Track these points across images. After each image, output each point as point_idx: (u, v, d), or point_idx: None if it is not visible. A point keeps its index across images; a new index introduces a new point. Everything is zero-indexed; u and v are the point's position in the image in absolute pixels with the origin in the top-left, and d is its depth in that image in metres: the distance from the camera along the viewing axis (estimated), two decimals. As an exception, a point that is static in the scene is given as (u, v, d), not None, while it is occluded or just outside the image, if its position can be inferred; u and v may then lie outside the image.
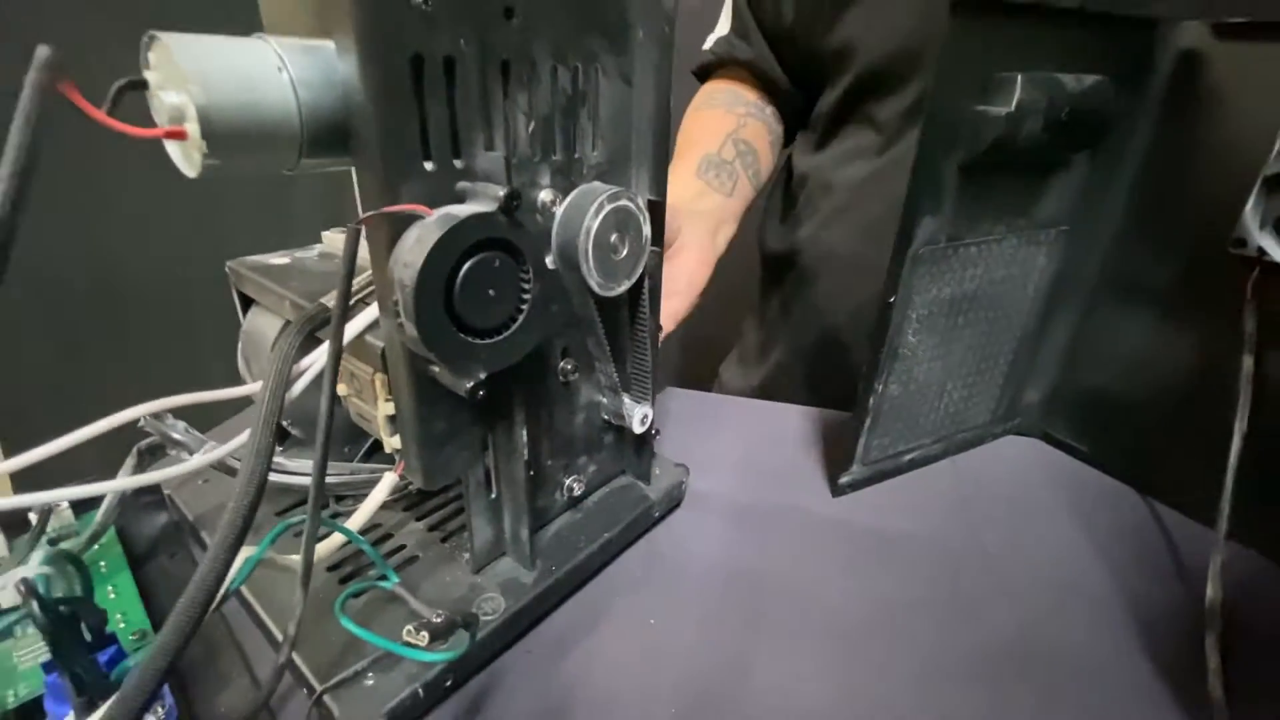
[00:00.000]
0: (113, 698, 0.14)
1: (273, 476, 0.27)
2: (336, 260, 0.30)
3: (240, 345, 0.30)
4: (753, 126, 0.54)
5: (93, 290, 0.73)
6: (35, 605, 0.16)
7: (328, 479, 0.28)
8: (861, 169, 0.49)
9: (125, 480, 0.23)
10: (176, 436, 0.27)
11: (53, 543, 0.27)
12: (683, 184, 0.50)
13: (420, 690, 0.22)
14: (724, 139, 0.52)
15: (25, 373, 0.77)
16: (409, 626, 0.19)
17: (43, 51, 0.14)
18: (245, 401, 0.28)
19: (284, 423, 0.31)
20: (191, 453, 0.27)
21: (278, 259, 0.30)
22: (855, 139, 0.50)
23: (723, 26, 0.57)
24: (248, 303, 0.30)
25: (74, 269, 0.74)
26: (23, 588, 0.16)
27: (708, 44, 0.58)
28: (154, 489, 0.31)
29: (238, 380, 0.31)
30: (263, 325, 0.29)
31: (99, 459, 0.26)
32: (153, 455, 0.28)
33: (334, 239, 0.32)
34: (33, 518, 0.26)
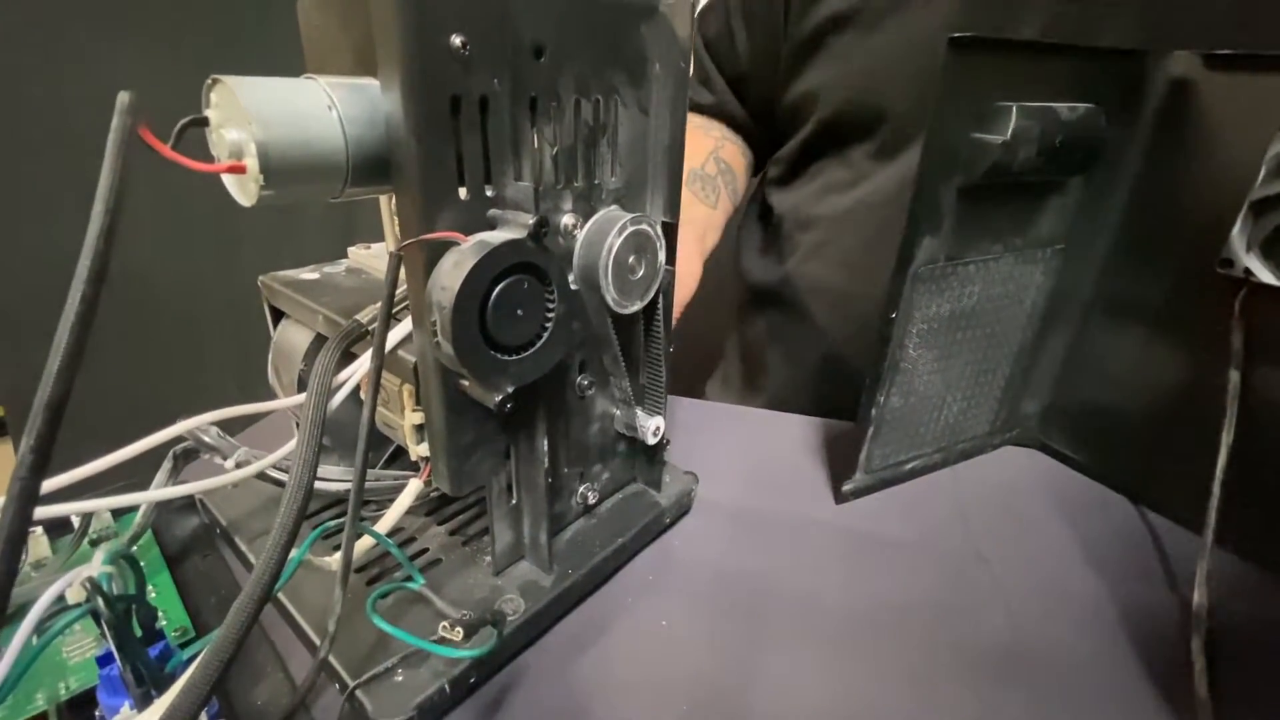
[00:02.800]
0: (178, 687, 0.16)
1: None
2: (364, 275, 0.32)
3: (271, 356, 0.31)
4: (729, 148, 0.57)
5: (107, 298, 0.75)
6: (100, 602, 0.17)
7: (350, 484, 0.30)
8: (836, 205, 0.51)
9: (168, 490, 0.24)
10: (210, 441, 0.29)
11: (93, 544, 0.28)
12: None
13: (447, 686, 0.23)
14: (706, 156, 0.55)
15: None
16: (444, 623, 0.20)
17: (124, 97, 0.15)
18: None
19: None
20: (225, 457, 0.28)
21: (308, 274, 0.31)
22: (825, 176, 0.52)
23: None
24: (278, 315, 0.32)
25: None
26: (88, 585, 0.18)
27: None
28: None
29: (253, 387, 0.33)
30: (293, 337, 0.30)
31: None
32: (187, 459, 0.29)
33: (359, 254, 0.34)
34: (74, 520, 0.28)
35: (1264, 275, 0.30)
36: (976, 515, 0.36)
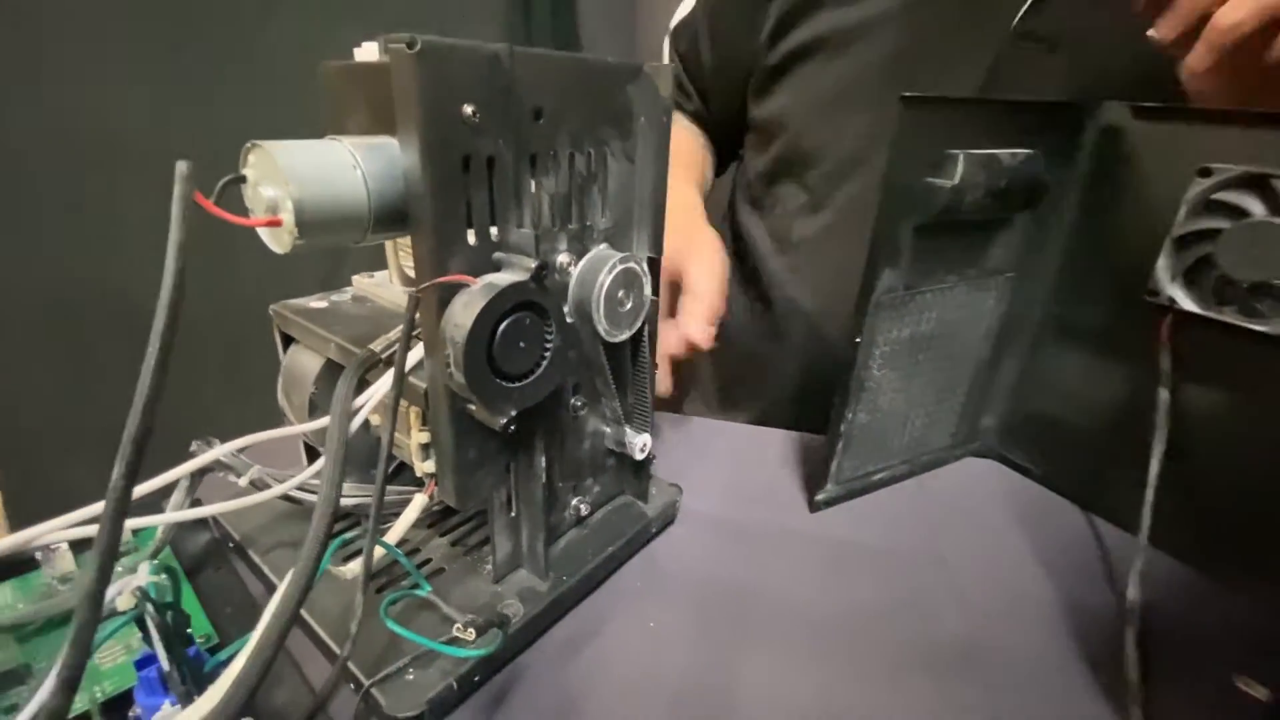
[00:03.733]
0: (227, 680, 0.18)
1: (310, 496, 0.31)
2: (369, 304, 0.34)
3: (280, 381, 0.34)
4: (710, 161, 0.62)
5: (109, 321, 0.76)
6: (151, 609, 0.19)
7: (358, 499, 0.32)
8: (804, 230, 0.54)
9: (192, 511, 0.26)
10: (225, 460, 0.31)
11: (115, 559, 0.30)
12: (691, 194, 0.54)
13: (455, 683, 0.25)
14: (700, 174, 0.59)
15: (35, 398, 0.79)
16: (458, 624, 0.23)
17: (183, 167, 0.18)
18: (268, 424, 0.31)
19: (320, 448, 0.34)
20: (239, 475, 0.30)
21: (316, 302, 0.34)
22: (789, 200, 0.55)
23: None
24: (287, 341, 0.34)
25: (93, 300, 0.77)
26: (139, 593, 0.20)
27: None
28: (198, 504, 0.34)
29: (249, 403, 0.34)
30: (303, 362, 0.33)
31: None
32: (201, 475, 0.31)
33: (363, 283, 0.36)
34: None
35: (1186, 304, 0.33)
36: (939, 522, 0.39)
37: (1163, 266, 0.34)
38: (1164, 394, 0.34)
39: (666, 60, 0.63)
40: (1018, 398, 0.43)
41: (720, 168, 0.65)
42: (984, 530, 0.38)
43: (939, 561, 0.36)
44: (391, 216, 0.22)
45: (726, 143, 0.63)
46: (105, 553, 0.14)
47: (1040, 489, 0.42)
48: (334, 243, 0.22)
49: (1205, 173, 0.32)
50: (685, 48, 0.60)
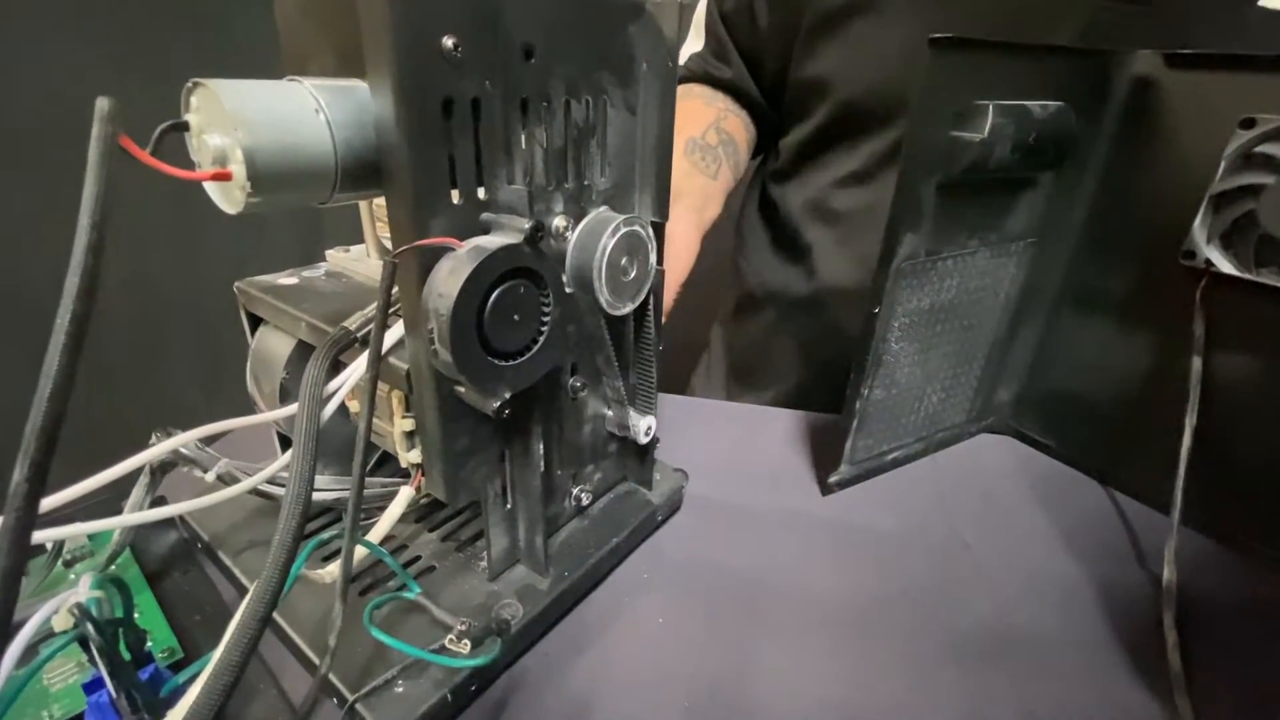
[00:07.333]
0: (181, 715, 0.15)
1: (282, 491, 0.28)
2: (345, 279, 0.31)
3: (249, 365, 0.31)
4: (732, 120, 0.55)
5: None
6: (91, 628, 0.17)
7: (338, 493, 0.29)
8: (852, 200, 0.50)
9: (152, 512, 0.23)
10: (189, 454, 0.28)
11: (68, 565, 0.27)
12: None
13: (449, 695, 0.23)
14: (707, 126, 0.53)
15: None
16: (450, 635, 0.20)
17: (103, 104, 0.15)
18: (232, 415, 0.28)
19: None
20: (205, 470, 0.27)
21: (286, 279, 0.30)
22: (836, 167, 0.50)
23: (693, 43, 0.57)
24: (255, 322, 0.31)
25: (47, 284, 0.72)
26: (77, 611, 0.17)
27: (681, 59, 0.58)
28: (160, 502, 0.32)
29: (218, 391, 0.31)
30: (273, 345, 0.30)
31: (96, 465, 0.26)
32: (164, 471, 0.28)
33: (338, 257, 0.33)
34: (48, 542, 0.27)
35: (1224, 266, 0.31)
36: (956, 502, 0.37)
37: (1199, 227, 0.31)
38: (1196, 363, 0.33)
39: (703, 19, 0.56)
40: (1035, 370, 0.41)
41: (762, 142, 0.59)
42: (1003, 509, 0.37)
43: (959, 544, 0.34)
44: (362, 171, 0.19)
45: (776, 114, 0.56)
46: (9, 573, 0.11)
47: (1058, 465, 0.40)
48: (295, 201, 0.19)
49: (1248, 124, 0.29)
50: (733, 3, 0.53)
